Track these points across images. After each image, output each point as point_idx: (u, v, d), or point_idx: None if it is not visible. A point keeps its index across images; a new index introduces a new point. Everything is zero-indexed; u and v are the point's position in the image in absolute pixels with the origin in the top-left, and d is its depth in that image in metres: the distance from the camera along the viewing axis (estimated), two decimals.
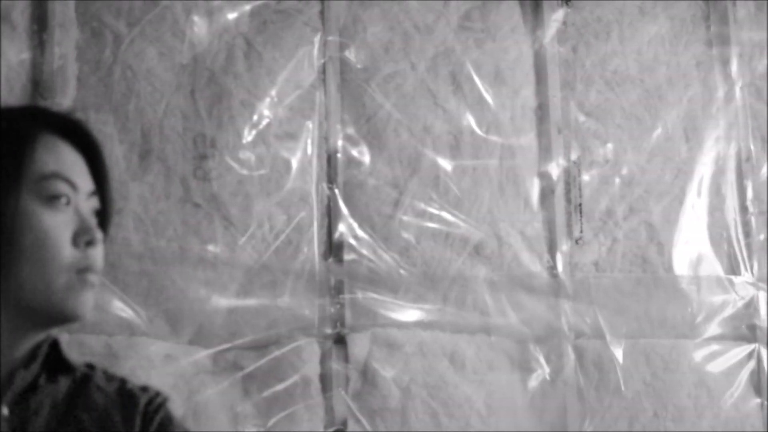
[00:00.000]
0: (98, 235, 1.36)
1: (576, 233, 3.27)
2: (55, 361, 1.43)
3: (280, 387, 2.76)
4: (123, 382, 1.51)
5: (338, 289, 2.89)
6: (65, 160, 1.38)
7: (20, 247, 1.33)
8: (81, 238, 1.35)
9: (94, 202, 1.40)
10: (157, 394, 1.51)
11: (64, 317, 1.36)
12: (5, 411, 1.35)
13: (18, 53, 2.66)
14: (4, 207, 1.33)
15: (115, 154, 2.73)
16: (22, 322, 1.36)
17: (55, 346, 1.43)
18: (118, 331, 2.62)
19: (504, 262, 3.14)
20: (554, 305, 3.19)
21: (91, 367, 1.51)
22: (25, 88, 2.66)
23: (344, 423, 2.83)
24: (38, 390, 1.40)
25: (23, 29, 2.70)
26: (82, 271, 1.34)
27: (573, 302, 3.21)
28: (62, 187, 1.36)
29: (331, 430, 2.82)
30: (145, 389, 1.50)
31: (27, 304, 1.35)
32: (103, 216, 1.42)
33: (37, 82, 2.68)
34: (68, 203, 1.36)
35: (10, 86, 2.62)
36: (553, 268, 3.21)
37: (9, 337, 1.37)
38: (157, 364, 2.61)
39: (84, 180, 1.39)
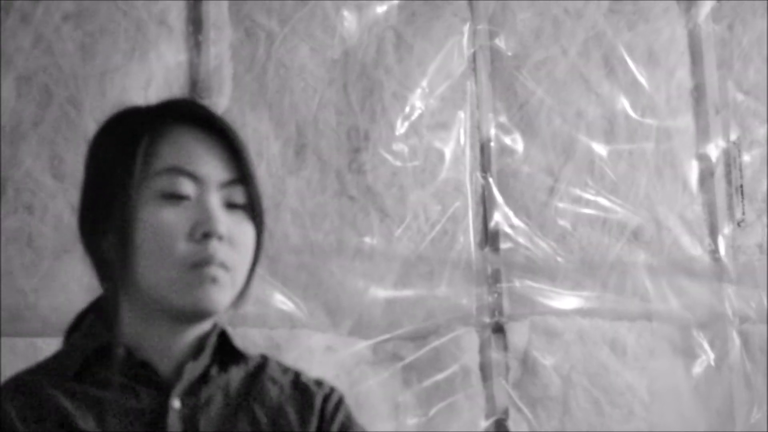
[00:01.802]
0: (219, 227, 1.32)
1: (738, 215, 3.20)
2: (225, 351, 1.43)
3: (440, 377, 2.77)
4: (297, 375, 1.49)
5: (495, 278, 2.88)
6: (192, 153, 1.36)
7: (136, 243, 1.32)
8: (198, 231, 1.32)
9: (232, 193, 1.37)
10: (332, 389, 1.49)
11: (185, 313, 1.35)
12: (176, 403, 1.36)
13: (176, 55, 2.73)
14: (121, 201, 1.33)
15: (271, 150, 2.78)
16: (159, 316, 1.36)
17: (223, 336, 1.43)
18: (279, 324, 2.66)
19: (663, 247, 3.09)
20: (717, 289, 3.12)
21: (264, 357, 1.50)
22: (183, 88, 2.73)
23: (505, 412, 2.83)
24: (209, 381, 1.40)
25: (180, 31, 2.76)
26: (198, 265, 1.31)
27: (737, 286, 3.14)
28: (181, 182, 1.34)
29: (492, 419, 2.82)
30: (319, 384, 1.49)
31: (151, 299, 1.35)
32: (252, 207, 1.39)
33: (195, 82, 2.74)
34: (189, 197, 1.34)
35: (169, 87, 2.69)
36: (714, 251, 3.15)
37: (157, 332, 1.37)
38: (318, 356, 2.65)
39: (217, 171, 1.36)
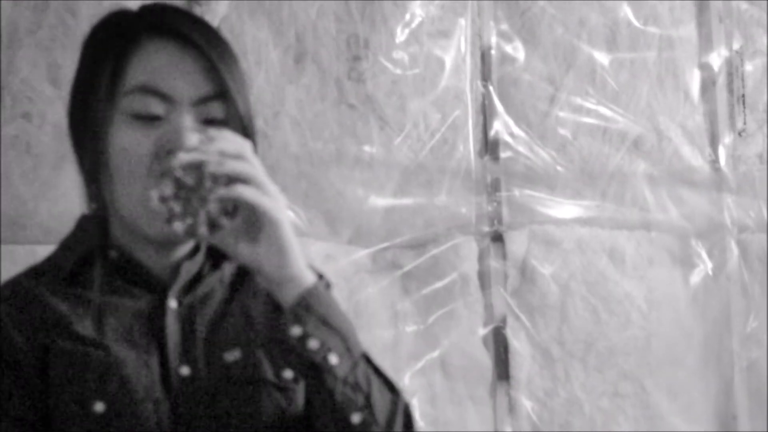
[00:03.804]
0: (186, 143, 1.26)
1: (739, 125, 3.19)
2: (216, 248, 1.37)
3: (438, 285, 2.78)
4: None
5: (495, 187, 2.88)
6: (162, 69, 1.31)
7: (110, 165, 1.31)
8: (162, 149, 1.28)
9: (210, 110, 1.32)
10: (320, 275, 1.45)
11: (160, 242, 1.34)
12: (173, 303, 1.37)
13: None
14: (91, 122, 1.32)
15: (270, 58, 2.75)
16: (143, 237, 1.34)
17: None
18: None
19: (664, 157, 3.09)
20: (717, 199, 3.13)
21: None
22: None
23: (503, 320, 2.85)
24: (203, 279, 1.41)
25: None
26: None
27: (736, 196, 3.14)
28: (150, 102, 1.30)
29: (491, 327, 2.84)
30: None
31: (129, 222, 1.33)
32: (235, 121, 1.33)
33: None
34: (160, 117, 1.30)
35: None
36: (715, 161, 3.15)
37: (147, 246, 1.36)
38: (317, 264, 2.65)
39: (190, 87, 1.31)
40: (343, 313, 1.31)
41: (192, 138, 1.26)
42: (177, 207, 1.21)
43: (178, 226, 1.22)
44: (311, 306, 1.26)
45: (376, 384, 1.31)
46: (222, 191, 1.20)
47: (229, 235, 1.24)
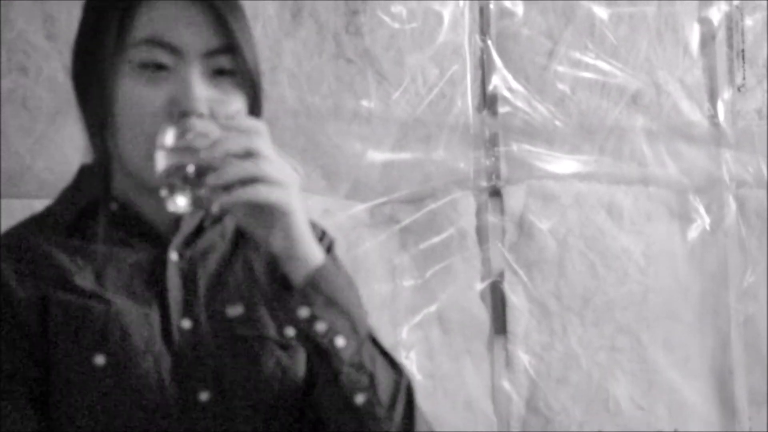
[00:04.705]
0: (198, 105, 1.26)
1: (738, 80, 3.18)
2: None
3: (436, 239, 2.78)
4: None
5: (493, 142, 2.88)
6: (171, 21, 1.29)
7: (113, 116, 1.29)
8: (175, 109, 1.27)
9: (219, 61, 1.30)
10: (324, 233, 1.49)
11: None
12: (174, 256, 1.36)
13: None
14: (97, 72, 1.30)
15: (267, 12, 2.74)
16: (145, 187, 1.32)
17: None
18: None
19: (662, 112, 3.08)
20: (715, 154, 3.12)
21: None
22: None
23: (501, 275, 2.85)
24: (204, 232, 1.40)
25: None
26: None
27: (735, 151, 3.14)
28: (158, 53, 1.28)
29: (488, 281, 2.84)
30: (312, 226, 1.43)
31: (131, 174, 1.32)
32: (243, 74, 1.32)
33: None
34: (168, 70, 1.28)
35: None
36: (713, 116, 3.14)
37: (149, 196, 1.33)
38: (315, 219, 2.65)
39: (199, 39, 1.29)
40: (351, 289, 1.31)
41: (201, 91, 1.26)
42: (180, 182, 1.20)
43: (182, 200, 1.20)
44: (319, 286, 1.25)
45: (380, 363, 1.31)
46: (231, 197, 1.19)
47: (238, 210, 1.23)
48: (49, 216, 1.39)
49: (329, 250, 1.47)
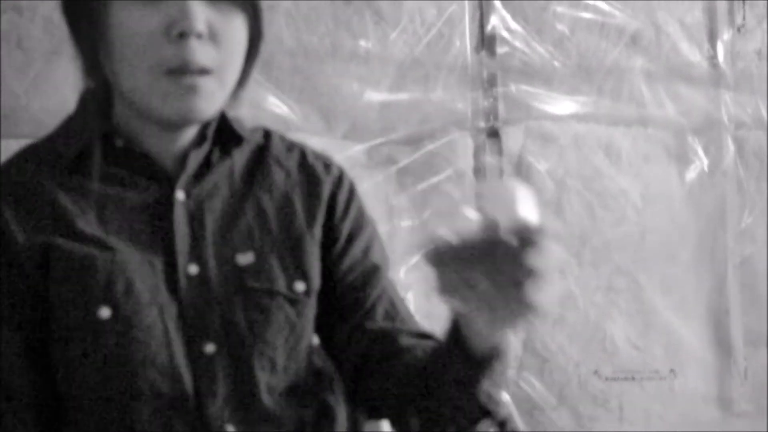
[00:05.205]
0: (196, 25, 1.21)
1: (738, 20, 3.16)
2: (226, 135, 1.36)
3: (434, 180, 2.78)
4: (303, 153, 1.44)
5: (491, 83, 2.87)
6: None
7: (111, 43, 1.24)
8: (173, 30, 1.22)
9: None
10: (341, 175, 1.45)
11: (167, 122, 1.28)
12: (181, 195, 1.32)
13: None
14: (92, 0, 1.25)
15: None
16: (148, 119, 1.29)
17: (224, 119, 1.36)
18: (274, 128, 2.66)
19: (662, 52, 3.06)
20: (714, 95, 3.11)
21: (267, 135, 1.44)
22: None
23: None
24: (212, 168, 1.36)
25: None
26: (173, 71, 1.22)
27: (734, 92, 3.13)
28: None
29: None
30: (327, 166, 1.44)
31: (133, 104, 1.28)
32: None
33: None
34: None
35: None
36: (713, 57, 3.13)
37: (154, 130, 1.31)
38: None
39: None
40: None
41: (200, 11, 1.22)
42: None
43: None
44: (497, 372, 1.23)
45: None
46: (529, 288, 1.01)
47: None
48: (51, 149, 1.34)
49: (350, 201, 1.45)
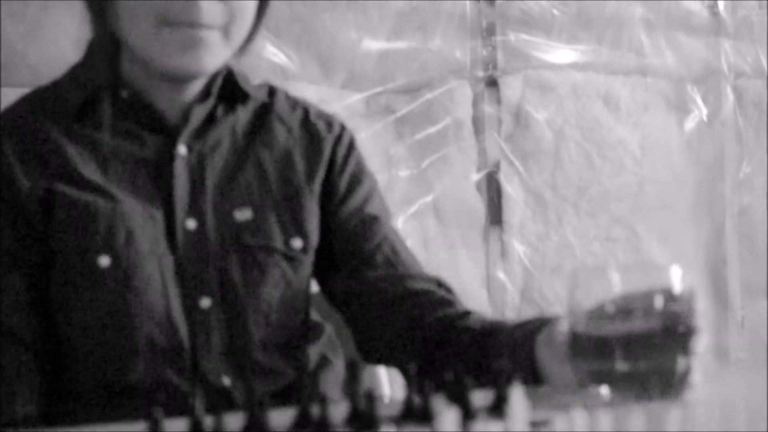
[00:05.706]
0: None
1: None
2: (231, 91, 1.36)
3: (432, 130, 2.77)
4: (306, 111, 1.44)
5: (490, 31, 2.85)
6: None
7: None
8: None
9: None
10: (342, 130, 1.45)
11: (172, 74, 1.29)
12: (183, 150, 1.33)
13: None
14: None
15: None
16: (154, 70, 1.29)
17: (230, 75, 1.36)
18: (271, 76, 2.63)
19: (662, 1, 3.04)
20: (713, 44, 3.10)
21: (272, 92, 1.43)
22: None
23: (497, 165, 2.85)
24: (216, 123, 1.36)
25: None
26: (177, 24, 1.23)
27: (734, 41, 3.12)
28: None
29: (484, 171, 2.84)
30: (329, 123, 1.44)
31: (141, 57, 1.28)
32: None
33: None
34: None
35: None
36: (713, 5, 3.11)
37: (159, 82, 1.31)
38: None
39: None
40: None
41: None
42: None
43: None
44: None
45: None
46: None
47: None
48: (57, 96, 1.34)
49: (349, 153, 1.44)
